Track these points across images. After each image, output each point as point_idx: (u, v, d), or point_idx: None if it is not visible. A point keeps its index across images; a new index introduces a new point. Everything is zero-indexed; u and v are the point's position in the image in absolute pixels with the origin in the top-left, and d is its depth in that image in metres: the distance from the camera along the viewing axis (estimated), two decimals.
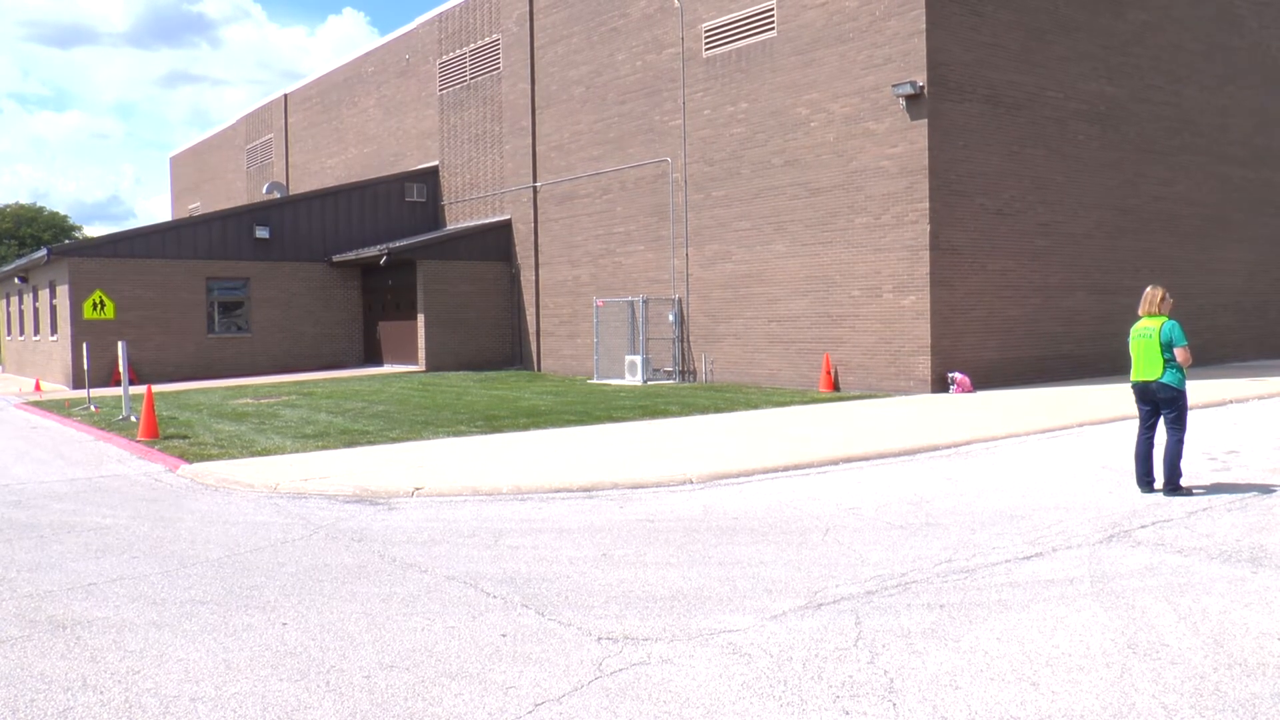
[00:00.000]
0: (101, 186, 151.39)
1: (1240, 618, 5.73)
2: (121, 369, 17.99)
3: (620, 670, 5.18)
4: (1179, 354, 9.07)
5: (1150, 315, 9.32)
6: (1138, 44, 22.33)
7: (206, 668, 5.38)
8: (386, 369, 30.15)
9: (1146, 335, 9.22)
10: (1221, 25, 24.44)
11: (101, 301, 22.33)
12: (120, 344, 18.24)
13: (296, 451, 13.25)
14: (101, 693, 5.06)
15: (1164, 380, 9.12)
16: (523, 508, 9.60)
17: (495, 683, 5.06)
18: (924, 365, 18.54)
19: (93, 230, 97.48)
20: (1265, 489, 9.32)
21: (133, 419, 17.22)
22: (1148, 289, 9.45)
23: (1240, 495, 9.07)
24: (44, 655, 5.64)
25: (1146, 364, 9.24)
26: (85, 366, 22.31)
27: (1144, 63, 22.48)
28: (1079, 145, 21.11)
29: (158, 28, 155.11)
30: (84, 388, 25.10)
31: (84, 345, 23.47)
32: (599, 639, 5.67)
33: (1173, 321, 9.16)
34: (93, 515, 9.79)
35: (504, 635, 5.80)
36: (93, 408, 20.25)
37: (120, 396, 19.85)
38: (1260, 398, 16.74)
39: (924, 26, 18.26)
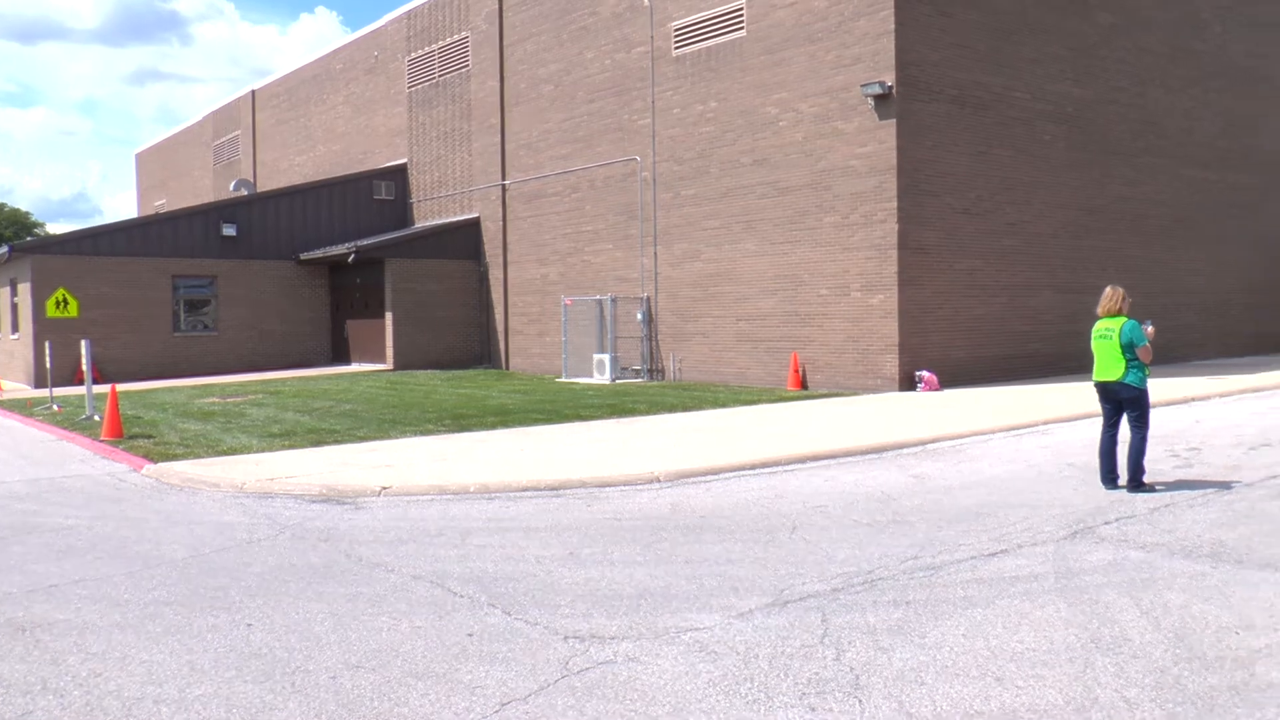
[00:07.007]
0: (67, 183, 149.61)
1: (1200, 612, 5.81)
2: (85, 368, 17.75)
3: (587, 669, 5.17)
4: (1140, 353, 9.19)
5: (1110, 316, 9.42)
6: (1105, 46, 22.56)
7: (170, 669, 5.33)
8: (354, 368, 29.96)
9: (1107, 336, 9.33)
10: (1186, 30, 24.74)
11: (65, 299, 22.03)
12: (84, 343, 17.99)
13: (263, 451, 13.13)
14: (62, 695, 4.99)
15: (1126, 380, 9.24)
16: (490, 507, 9.57)
17: (462, 682, 5.05)
18: (892, 364, 18.65)
19: (56, 227, 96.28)
20: (1225, 485, 9.45)
21: (96, 418, 17.00)
22: (1107, 289, 9.54)
23: (1202, 491, 9.19)
24: (2, 658, 5.56)
25: (1108, 364, 9.35)
26: (48, 365, 21.99)
27: (1110, 65, 22.72)
28: (1046, 146, 21.31)
29: (128, 25, 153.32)
30: (46, 387, 24.75)
31: (46, 344, 23.12)
32: (566, 638, 5.66)
33: (1133, 321, 9.25)
34: (55, 516, 9.65)
35: (470, 635, 5.77)
36: (55, 407, 19.97)
37: (84, 396, 19.59)
38: (1221, 396, 16.98)
39: (893, 27, 18.36)
